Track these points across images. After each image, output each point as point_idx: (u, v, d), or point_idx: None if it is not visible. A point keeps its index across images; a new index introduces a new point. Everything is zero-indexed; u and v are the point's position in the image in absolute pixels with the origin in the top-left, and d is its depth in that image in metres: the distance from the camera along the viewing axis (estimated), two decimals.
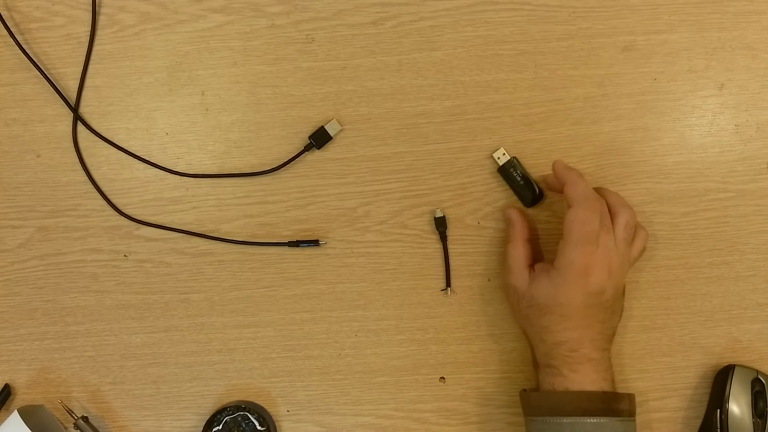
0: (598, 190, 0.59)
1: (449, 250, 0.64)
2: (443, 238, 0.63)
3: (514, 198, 0.63)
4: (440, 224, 0.63)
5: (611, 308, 0.57)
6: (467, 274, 0.64)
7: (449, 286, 0.64)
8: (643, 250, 0.59)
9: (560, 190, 0.58)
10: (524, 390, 0.59)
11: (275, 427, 0.64)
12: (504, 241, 0.63)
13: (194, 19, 0.64)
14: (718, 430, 0.61)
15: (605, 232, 0.55)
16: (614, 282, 0.56)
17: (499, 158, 0.63)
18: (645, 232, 0.59)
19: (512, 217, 0.60)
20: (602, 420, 0.53)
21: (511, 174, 0.62)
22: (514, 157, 0.63)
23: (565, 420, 0.54)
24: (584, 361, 0.55)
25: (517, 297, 0.58)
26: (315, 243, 0.63)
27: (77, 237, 0.64)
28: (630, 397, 0.56)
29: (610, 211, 0.57)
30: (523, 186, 0.62)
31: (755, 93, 0.63)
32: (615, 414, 0.54)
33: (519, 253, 0.59)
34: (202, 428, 0.63)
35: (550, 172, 0.60)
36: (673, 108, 0.63)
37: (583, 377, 0.55)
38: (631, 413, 0.56)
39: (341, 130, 0.64)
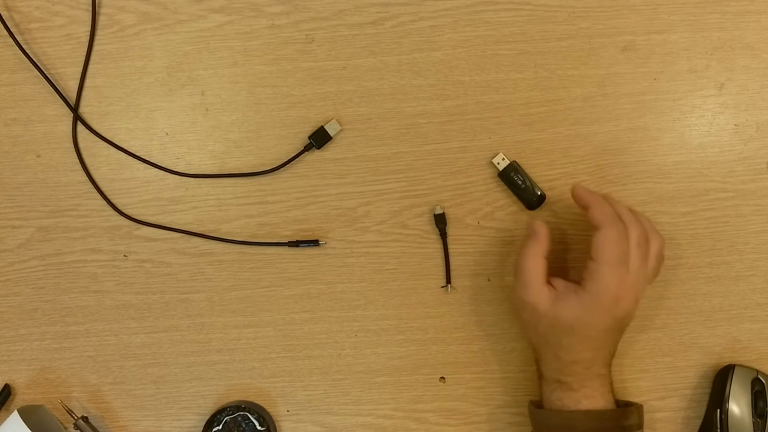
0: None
1: (449, 250, 0.64)
2: (443, 235, 0.63)
3: (515, 199, 0.63)
4: (440, 221, 0.63)
5: (624, 329, 0.57)
6: (467, 274, 0.64)
7: (449, 283, 0.64)
8: (657, 275, 0.59)
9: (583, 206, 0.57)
10: (532, 403, 0.58)
11: (275, 427, 0.64)
12: (520, 254, 0.58)
13: (194, 19, 0.64)
14: (718, 430, 0.61)
15: (641, 258, 0.54)
16: (636, 307, 0.56)
17: (498, 163, 0.63)
18: (662, 259, 0.58)
19: (537, 230, 0.57)
20: None
21: (512, 178, 0.62)
22: (514, 161, 0.63)
23: None
24: (594, 377, 0.55)
25: (535, 315, 0.56)
26: (315, 243, 0.63)
27: (77, 237, 0.64)
28: (638, 410, 0.56)
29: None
30: (525, 189, 0.62)
31: (755, 93, 0.63)
32: (624, 430, 0.54)
33: (537, 268, 0.56)
34: (202, 428, 0.63)
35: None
36: (673, 108, 0.63)
37: (592, 392, 0.55)
38: (640, 426, 0.56)
39: (341, 130, 0.64)
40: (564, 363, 0.55)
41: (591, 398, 0.55)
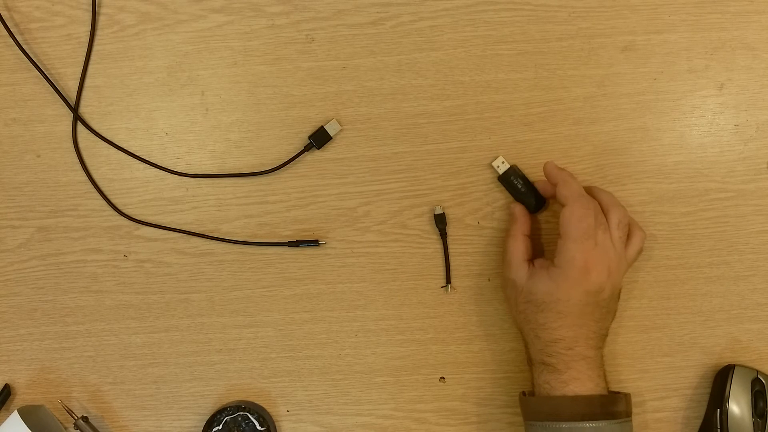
0: (590, 190, 0.60)
1: (449, 250, 0.64)
2: (443, 235, 0.63)
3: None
4: (440, 221, 0.63)
5: (606, 308, 0.57)
6: (467, 274, 0.64)
7: (449, 283, 0.64)
8: (640, 251, 0.59)
9: (552, 195, 0.59)
10: (523, 393, 0.59)
11: (275, 427, 0.64)
12: (504, 237, 0.63)
13: (194, 19, 0.64)
14: (718, 430, 0.61)
15: (602, 230, 0.56)
16: (612, 281, 0.56)
17: (498, 167, 0.63)
18: (642, 233, 0.59)
19: (515, 212, 0.61)
20: (600, 424, 0.54)
21: (513, 182, 0.62)
22: (514, 165, 0.62)
23: (564, 425, 0.54)
24: (579, 359, 0.55)
25: (515, 291, 0.59)
26: (315, 243, 0.64)
27: (77, 237, 0.64)
28: (626, 398, 0.56)
29: (602, 210, 0.57)
30: (525, 193, 0.62)
31: (755, 93, 0.63)
32: (612, 417, 0.54)
33: (518, 246, 0.59)
34: (202, 428, 0.63)
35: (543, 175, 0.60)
36: (673, 108, 0.63)
37: (578, 374, 0.55)
38: (628, 414, 0.56)
39: (341, 130, 0.64)
40: (544, 342, 0.56)
41: (578, 381, 0.55)
